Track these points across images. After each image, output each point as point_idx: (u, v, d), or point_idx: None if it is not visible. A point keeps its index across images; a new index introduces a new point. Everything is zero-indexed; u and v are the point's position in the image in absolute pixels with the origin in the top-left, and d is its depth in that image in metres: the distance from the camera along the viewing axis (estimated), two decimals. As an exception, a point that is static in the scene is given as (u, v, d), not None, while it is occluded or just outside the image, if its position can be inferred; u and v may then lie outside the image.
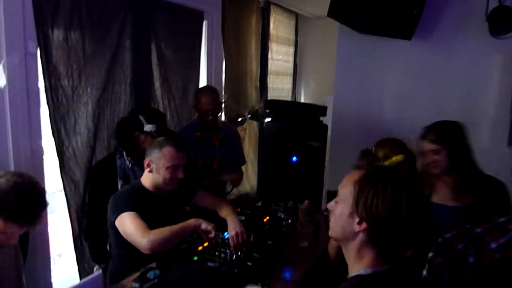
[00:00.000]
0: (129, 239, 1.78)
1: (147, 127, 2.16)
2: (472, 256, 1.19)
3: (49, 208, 1.85)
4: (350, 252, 1.08)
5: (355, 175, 1.08)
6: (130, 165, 2.18)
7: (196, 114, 2.62)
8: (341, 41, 3.22)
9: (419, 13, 2.72)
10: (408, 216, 0.99)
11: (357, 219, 1.03)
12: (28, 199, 1.33)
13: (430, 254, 1.31)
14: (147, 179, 1.95)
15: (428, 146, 1.85)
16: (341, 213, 1.08)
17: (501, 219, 1.26)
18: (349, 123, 3.19)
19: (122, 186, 2.14)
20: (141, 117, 2.18)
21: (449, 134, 1.85)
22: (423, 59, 2.97)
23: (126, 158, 2.18)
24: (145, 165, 1.92)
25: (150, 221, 1.78)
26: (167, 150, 1.89)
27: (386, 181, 1.03)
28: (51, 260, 2.27)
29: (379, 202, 1.00)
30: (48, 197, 2.14)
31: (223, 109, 2.63)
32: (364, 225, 1.03)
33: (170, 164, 1.88)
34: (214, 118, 2.51)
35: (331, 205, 1.12)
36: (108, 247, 2.14)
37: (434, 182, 1.90)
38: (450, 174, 1.85)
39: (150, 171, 1.92)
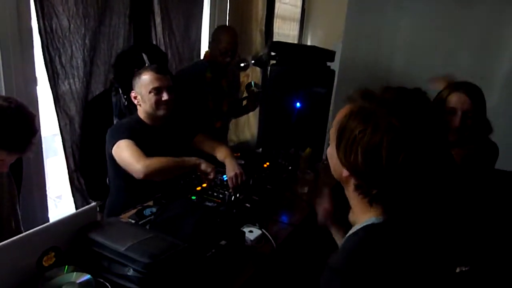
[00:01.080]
0: (124, 165, 1.76)
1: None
2: None
3: (48, 151, 1.82)
4: (352, 199, 0.99)
5: (341, 112, 0.96)
6: (125, 102, 2.11)
7: (208, 53, 2.52)
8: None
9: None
10: (391, 164, 0.86)
11: (343, 167, 0.93)
12: (15, 124, 1.27)
13: None
14: (141, 113, 1.93)
15: (466, 104, 1.58)
16: (331, 154, 0.99)
17: None
18: (357, 70, 3.07)
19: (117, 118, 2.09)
20: (144, 56, 2.10)
21: (481, 99, 1.62)
22: (439, 10, 2.80)
23: (122, 95, 2.11)
24: (132, 98, 1.88)
25: (147, 152, 1.75)
26: (146, 74, 1.86)
27: (368, 120, 0.89)
28: (52, 201, 2.26)
29: (357, 148, 0.88)
30: (47, 140, 2.12)
31: (238, 54, 2.55)
32: (345, 172, 0.93)
33: (151, 86, 1.85)
34: (231, 58, 2.45)
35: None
36: (107, 181, 2.12)
37: None
38: (462, 146, 1.59)
39: (138, 103, 1.89)
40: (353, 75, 3.10)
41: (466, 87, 1.61)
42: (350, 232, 1.00)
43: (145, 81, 1.85)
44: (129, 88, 2.10)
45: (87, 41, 2.14)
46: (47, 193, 2.22)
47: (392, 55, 2.98)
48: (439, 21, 2.84)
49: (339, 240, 1.28)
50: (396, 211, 0.95)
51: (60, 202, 2.69)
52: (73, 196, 2.27)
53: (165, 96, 1.87)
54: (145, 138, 1.84)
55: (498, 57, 2.72)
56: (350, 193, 0.98)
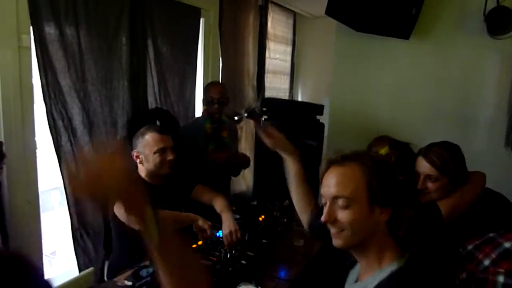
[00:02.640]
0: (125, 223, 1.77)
1: None
2: (503, 275, 1.09)
3: (44, 206, 1.84)
4: (370, 252, 1.05)
5: (353, 174, 1.03)
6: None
7: (204, 109, 2.68)
8: (339, 40, 3.21)
9: (417, 12, 2.71)
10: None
11: (378, 210, 1.02)
12: None
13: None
14: (142, 171, 1.97)
15: (425, 168, 1.61)
16: (360, 213, 1.02)
17: None
18: (346, 122, 3.18)
19: None
20: (158, 123, 2.19)
21: (453, 162, 1.61)
22: (420, 59, 2.96)
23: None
24: (134, 157, 1.93)
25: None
26: (150, 135, 1.93)
27: (384, 163, 1.07)
28: (46, 257, 2.25)
29: (393, 184, 1.03)
30: (44, 194, 2.15)
31: (228, 102, 2.67)
32: (388, 210, 1.03)
33: (157, 148, 1.91)
34: (219, 107, 2.57)
35: (336, 214, 1.04)
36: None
37: None
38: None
39: (141, 162, 1.93)
40: (343, 127, 3.20)
41: (428, 152, 1.65)
42: (370, 283, 1.02)
43: (149, 141, 1.92)
44: None
45: (87, 103, 2.23)
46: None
47: (378, 106, 3.10)
48: (419, 70, 3.00)
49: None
50: (412, 249, 1.04)
51: (54, 259, 2.66)
52: (76, 253, 2.26)
53: (170, 156, 1.94)
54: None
55: (481, 99, 2.84)
56: (375, 243, 1.04)
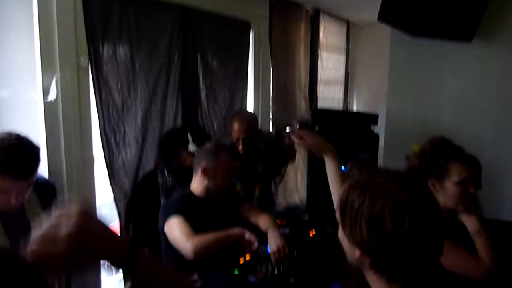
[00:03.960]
0: (175, 244, 1.79)
1: (191, 147, 2.20)
2: None
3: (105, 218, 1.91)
4: (372, 282, 0.92)
5: (342, 188, 0.93)
6: (171, 183, 2.21)
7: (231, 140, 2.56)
8: (394, 46, 3.07)
9: (480, 12, 2.51)
10: (397, 233, 0.80)
11: (353, 245, 0.88)
12: (16, 152, 1.38)
13: None
14: (198, 185, 1.98)
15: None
16: (341, 237, 0.94)
17: None
18: (403, 132, 3.00)
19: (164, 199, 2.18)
20: (189, 135, 2.23)
21: None
22: (485, 64, 2.74)
23: (167, 176, 2.22)
24: (201, 171, 1.93)
25: (198, 226, 1.79)
26: (225, 156, 1.95)
27: (366, 189, 0.85)
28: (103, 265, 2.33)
29: (360, 221, 0.84)
30: (102, 207, 2.24)
31: (266, 136, 2.58)
32: (357, 252, 0.87)
33: (229, 169, 1.94)
34: (245, 147, 2.44)
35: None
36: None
37: None
38: None
39: (206, 177, 1.93)
40: (400, 137, 3.03)
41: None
42: None
43: (224, 162, 1.93)
44: (171, 164, 2.21)
45: (139, 120, 2.31)
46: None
47: (439, 116, 2.90)
48: (486, 75, 2.76)
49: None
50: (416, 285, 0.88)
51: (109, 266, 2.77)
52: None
53: (234, 179, 2.03)
54: (196, 211, 1.89)
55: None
56: (372, 280, 0.91)
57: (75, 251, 0.60)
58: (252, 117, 2.62)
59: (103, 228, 0.67)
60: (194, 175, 2.00)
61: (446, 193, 1.58)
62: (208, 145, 2.02)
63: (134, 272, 0.66)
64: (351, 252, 0.90)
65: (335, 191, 1.57)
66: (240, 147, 2.45)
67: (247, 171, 2.52)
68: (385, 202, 0.82)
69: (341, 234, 0.94)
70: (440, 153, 1.62)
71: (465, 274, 1.42)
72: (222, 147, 2.02)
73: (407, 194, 0.83)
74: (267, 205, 2.75)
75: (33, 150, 1.46)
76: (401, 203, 0.82)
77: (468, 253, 1.49)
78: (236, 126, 2.46)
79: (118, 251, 0.66)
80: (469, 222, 1.56)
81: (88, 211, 0.65)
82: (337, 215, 0.93)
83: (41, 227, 0.61)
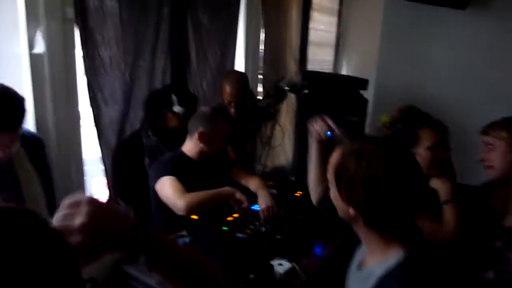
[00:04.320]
0: (166, 201, 1.83)
1: (177, 108, 2.18)
2: None
3: (90, 173, 1.92)
4: (367, 239, 1.03)
5: (334, 156, 1.04)
6: (156, 144, 2.21)
7: (222, 101, 2.57)
8: (387, 10, 3.03)
9: (476, -21, 2.49)
10: (390, 192, 0.93)
11: (348, 205, 1.00)
12: (1, 104, 1.36)
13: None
14: (192, 148, 2.00)
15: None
16: (335, 197, 1.05)
17: None
18: (391, 98, 3.03)
19: (149, 164, 2.18)
20: (173, 96, 2.20)
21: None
22: (478, 31, 2.74)
23: (152, 136, 2.22)
24: (198, 135, 1.95)
25: (190, 187, 1.83)
26: (222, 122, 1.98)
27: (361, 156, 0.97)
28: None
29: (357, 184, 0.96)
30: (90, 163, 2.23)
31: (254, 96, 2.58)
32: (352, 211, 0.98)
33: (225, 134, 1.99)
34: (237, 109, 2.47)
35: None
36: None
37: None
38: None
39: (203, 142, 1.95)
40: (388, 102, 3.06)
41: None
42: (379, 270, 1.00)
43: (220, 127, 1.97)
44: (159, 128, 2.19)
45: (127, 76, 2.26)
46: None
47: (428, 83, 2.93)
48: (474, 44, 2.77)
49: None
50: (412, 241, 1.00)
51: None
52: None
53: (227, 144, 2.12)
54: (188, 172, 1.92)
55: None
56: (363, 232, 1.03)
57: (91, 240, 0.59)
58: (244, 79, 2.61)
59: (115, 214, 0.65)
60: (188, 137, 2.01)
61: (419, 159, 1.64)
62: (205, 109, 2.03)
63: (149, 253, 0.65)
64: (345, 210, 1.01)
65: (313, 169, 1.70)
66: (232, 110, 2.47)
67: (238, 132, 2.54)
68: (378, 167, 0.94)
69: (334, 195, 1.04)
70: (410, 121, 1.67)
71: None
72: (219, 113, 2.03)
73: (395, 158, 0.96)
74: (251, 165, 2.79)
75: (19, 101, 1.43)
76: (391, 166, 0.94)
77: (431, 219, 1.57)
78: (228, 89, 2.47)
79: (131, 235, 0.64)
80: (441, 188, 1.62)
81: (96, 199, 0.64)
82: (331, 179, 1.04)
83: (52, 220, 0.60)
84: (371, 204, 0.96)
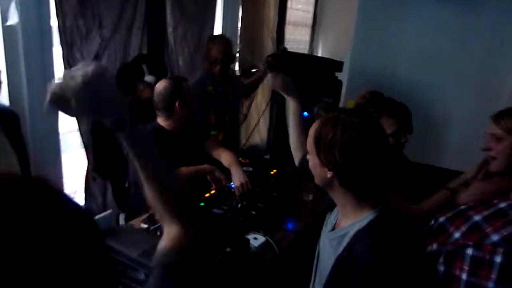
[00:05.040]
0: None
1: (148, 78, 2.19)
2: (471, 248, 1.08)
3: (64, 146, 1.90)
4: (342, 200, 1.14)
5: (313, 126, 1.15)
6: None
7: (205, 66, 2.60)
8: (364, -7, 3.08)
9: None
10: (363, 153, 1.04)
11: (325, 169, 1.10)
12: None
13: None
14: (171, 122, 2.04)
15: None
16: (313, 164, 1.15)
17: (502, 205, 1.11)
18: (365, 80, 3.12)
19: None
20: (143, 66, 2.19)
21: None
22: (447, 19, 2.84)
23: None
24: (177, 105, 1.99)
25: (169, 157, 1.84)
26: (185, 84, 2.06)
27: (336, 124, 1.07)
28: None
29: (334, 148, 1.06)
30: (64, 136, 2.21)
31: (235, 61, 2.62)
32: (329, 173, 1.09)
33: (193, 93, 2.08)
34: (222, 68, 2.50)
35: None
36: (127, 185, 2.23)
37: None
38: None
39: (183, 109, 2.01)
40: (361, 84, 3.15)
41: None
42: (352, 228, 1.11)
43: (189, 89, 2.05)
44: (131, 101, 2.21)
45: (102, 49, 2.23)
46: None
47: (399, 66, 3.03)
48: (443, 31, 2.87)
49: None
50: (381, 203, 1.12)
51: (75, 198, 2.81)
52: (85, 200, 2.37)
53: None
54: (168, 146, 1.92)
55: (503, 64, 2.74)
56: (339, 194, 1.14)
57: (88, 89, 0.68)
58: (228, 40, 2.64)
59: (112, 84, 0.74)
60: (162, 114, 2.02)
61: None
62: (165, 82, 2.02)
63: (131, 132, 0.75)
64: (322, 174, 1.12)
65: (292, 132, 1.71)
66: (218, 68, 2.50)
67: (220, 96, 2.57)
68: (352, 132, 1.05)
69: (313, 162, 1.15)
70: (371, 109, 1.76)
71: None
72: (178, 78, 2.12)
73: (366, 124, 1.08)
74: (233, 141, 2.84)
75: None
76: (363, 131, 1.06)
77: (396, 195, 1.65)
78: (214, 47, 2.51)
79: (120, 110, 0.74)
80: None
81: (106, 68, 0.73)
82: (310, 148, 1.14)
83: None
84: (346, 165, 1.06)
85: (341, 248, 1.11)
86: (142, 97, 2.22)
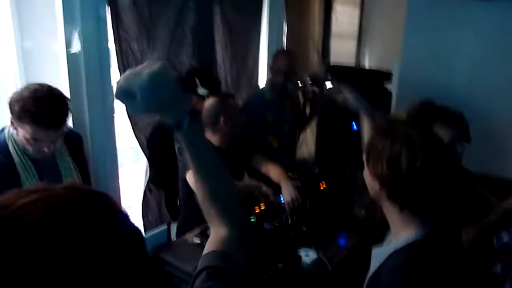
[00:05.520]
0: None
1: (201, 91, 2.25)
2: None
3: (120, 163, 2.00)
4: (390, 215, 1.09)
5: (365, 137, 1.16)
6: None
7: (268, 77, 2.67)
8: (412, 2, 2.99)
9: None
10: (411, 170, 0.98)
11: (375, 180, 1.06)
12: (48, 103, 1.44)
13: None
14: (217, 138, 2.09)
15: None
16: (365, 174, 1.12)
17: None
18: (416, 90, 3.01)
19: (178, 149, 2.26)
20: (196, 80, 2.28)
21: None
22: (504, 23, 2.68)
23: None
24: (222, 123, 2.04)
25: None
26: (231, 100, 2.15)
27: (388, 135, 1.03)
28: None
29: (382, 160, 1.02)
30: (119, 153, 2.33)
31: (297, 77, 2.68)
32: (377, 185, 1.05)
33: (238, 109, 2.16)
34: (285, 79, 2.56)
35: None
36: (178, 202, 2.30)
37: None
38: None
39: (227, 125, 2.05)
40: (412, 94, 3.05)
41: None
42: (392, 246, 1.06)
43: (233, 107, 2.12)
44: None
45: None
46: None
47: (454, 74, 2.89)
48: (504, 34, 2.72)
49: None
50: (431, 222, 1.05)
51: (130, 212, 2.93)
52: (143, 207, 2.46)
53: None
54: None
55: None
56: (387, 208, 1.09)
57: (152, 86, 0.69)
58: (295, 55, 2.74)
59: (175, 83, 0.74)
60: (210, 129, 2.07)
61: None
62: (212, 100, 2.09)
63: (189, 132, 0.76)
64: (373, 186, 1.08)
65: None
66: (280, 78, 2.56)
67: (277, 105, 2.64)
68: (402, 145, 1.00)
69: (365, 172, 1.11)
70: (424, 118, 1.68)
71: None
72: (223, 95, 2.19)
73: (421, 140, 1.00)
74: (288, 155, 2.86)
75: (64, 101, 1.52)
76: (415, 147, 0.99)
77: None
78: (280, 58, 2.60)
79: (182, 109, 0.75)
80: None
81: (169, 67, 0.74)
82: (364, 155, 1.11)
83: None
84: (394, 178, 1.01)
85: (375, 268, 1.07)
86: (196, 109, 2.29)
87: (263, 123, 2.60)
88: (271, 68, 2.66)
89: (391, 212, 1.08)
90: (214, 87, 2.32)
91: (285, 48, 3.15)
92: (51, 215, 0.46)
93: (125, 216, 0.55)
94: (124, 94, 0.70)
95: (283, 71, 2.54)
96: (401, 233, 1.06)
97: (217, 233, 0.82)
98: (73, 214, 0.48)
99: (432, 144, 1.03)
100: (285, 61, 2.56)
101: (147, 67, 0.71)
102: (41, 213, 0.46)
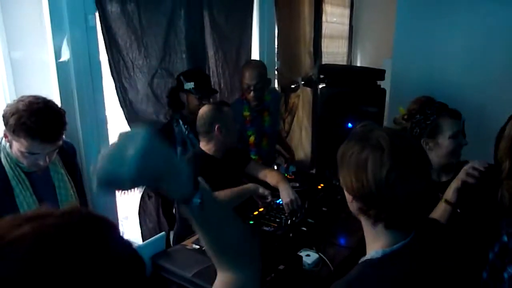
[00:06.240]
0: None
1: (186, 85, 2.29)
2: None
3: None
4: (364, 230, 0.99)
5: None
6: (186, 132, 2.29)
7: (241, 90, 2.64)
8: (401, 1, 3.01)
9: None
10: (376, 181, 0.87)
11: (347, 193, 0.97)
12: (44, 117, 1.41)
13: (491, 256, 1.17)
14: (211, 146, 2.07)
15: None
16: (342, 185, 1.01)
17: None
18: (410, 87, 3.02)
19: (181, 151, 2.24)
20: (181, 77, 2.33)
21: None
22: (496, 16, 2.69)
23: (182, 125, 2.29)
24: (216, 131, 2.02)
25: (213, 184, 1.85)
26: (227, 108, 2.09)
27: (359, 141, 0.92)
28: (119, 222, 2.45)
29: (350, 170, 0.92)
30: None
31: (269, 85, 2.67)
32: (349, 197, 0.96)
33: (234, 117, 2.11)
34: (256, 94, 2.52)
35: None
36: (174, 210, 2.28)
37: None
38: None
39: (221, 134, 2.03)
40: (406, 91, 3.06)
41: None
42: (361, 259, 1.00)
43: (230, 114, 2.09)
44: (182, 112, 2.33)
45: (150, 77, 2.34)
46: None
47: (446, 70, 2.90)
48: (495, 31, 2.73)
49: None
50: (405, 236, 0.94)
51: (127, 222, 2.89)
52: (140, 223, 2.44)
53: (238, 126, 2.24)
54: (210, 171, 1.95)
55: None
56: (363, 221, 0.98)
57: (141, 172, 0.59)
58: (263, 65, 2.68)
59: (168, 155, 0.65)
60: (203, 138, 2.06)
61: (441, 149, 1.65)
62: (207, 108, 2.07)
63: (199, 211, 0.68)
64: (347, 198, 0.98)
65: None
66: (251, 94, 2.53)
67: (256, 121, 2.59)
68: (369, 153, 0.89)
69: (341, 182, 1.00)
70: (429, 111, 1.66)
71: None
72: (220, 103, 2.17)
73: (391, 148, 0.88)
74: (273, 160, 2.84)
75: (60, 114, 1.49)
76: (383, 155, 0.88)
77: None
78: (247, 74, 2.54)
79: (181, 184, 0.66)
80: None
81: (153, 134, 0.63)
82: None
83: (108, 147, 0.61)
84: (361, 191, 0.91)
85: None
86: (191, 107, 2.32)
87: (241, 140, 2.56)
88: (241, 82, 2.61)
89: (365, 225, 0.98)
90: (198, 79, 2.33)
91: (253, 59, 3.05)
92: (39, 251, 0.44)
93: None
94: (109, 185, 0.60)
95: (252, 87, 2.51)
96: (370, 247, 0.98)
97: (222, 275, 0.78)
98: (63, 250, 0.46)
99: (404, 150, 0.91)
100: (249, 75, 2.52)
101: (128, 145, 0.59)
102: (28, 250, 0.44)
